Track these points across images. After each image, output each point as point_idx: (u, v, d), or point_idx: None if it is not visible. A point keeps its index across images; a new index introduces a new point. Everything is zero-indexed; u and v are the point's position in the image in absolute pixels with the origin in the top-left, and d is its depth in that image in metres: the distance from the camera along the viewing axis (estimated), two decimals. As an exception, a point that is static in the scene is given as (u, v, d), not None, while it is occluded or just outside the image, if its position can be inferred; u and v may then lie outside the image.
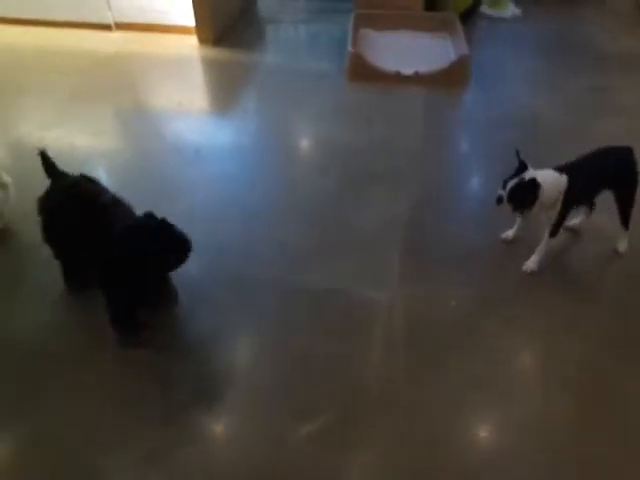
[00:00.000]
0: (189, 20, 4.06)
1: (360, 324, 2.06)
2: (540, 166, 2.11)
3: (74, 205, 1.89)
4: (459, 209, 2.67)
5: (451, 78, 3.53)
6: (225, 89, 3.70)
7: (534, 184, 2.02)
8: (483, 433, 1.76)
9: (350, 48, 3.65)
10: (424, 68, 3.58)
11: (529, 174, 2.04)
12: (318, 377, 1.88)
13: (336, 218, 2.55)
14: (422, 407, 1.80)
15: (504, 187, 2.07)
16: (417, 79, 3.55)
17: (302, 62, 3.97)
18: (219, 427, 1.78)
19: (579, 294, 2.22)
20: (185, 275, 1.99)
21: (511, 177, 2.07)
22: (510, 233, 2.39)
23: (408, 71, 3.56)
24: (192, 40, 4.10)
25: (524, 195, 2.05)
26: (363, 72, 3.59)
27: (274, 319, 2.10)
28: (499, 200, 2.09)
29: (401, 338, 2.01)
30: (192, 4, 3.96)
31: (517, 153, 2.10)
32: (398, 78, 3.56)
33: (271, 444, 1.69)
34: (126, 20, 4.21)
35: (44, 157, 1.96)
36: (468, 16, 4.50)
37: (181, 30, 4.13)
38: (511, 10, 4.68)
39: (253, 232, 2.48)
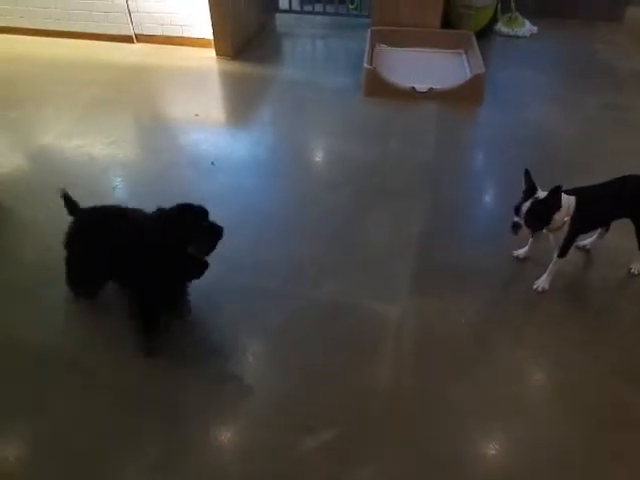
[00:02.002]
0: (208, 33, 4.14)
1: (370, 339, 2.07)
2: (549, 183, 2.10)
3: (100, 236, 1.96)
4: (471, 226, 2.68)
5: (466, 95, 3.55)
6: (242, 102, 3.75)
7: (556, 195, 1.98)
8: (492, 451, 1.75)
9: (366, 64, 3.69)
10: (439, 85, 3.60)
11: (541, 194, 2.03)
12: (327, 390, 1.90)
13: (348, 233, 2.57)
14: (430, 423, 1.80)
15: (517, 213, 2.04)
16: (432, 95, 3.57)
17: (319, 77, 4.02)
18: (227, 436, 1.79)
19: (591, 314, 2.21)
20: (199, 285, 2.01)
21: (523, 201, 2.04)
22: (522, 251, 2.39)
23: (423, 87, 3.59)
24: (211, 53, 4.18)
25: (541, 214, 2.03)
26: (379, 88, 3.62)
27: (284, 331, 2.11)
28: (515, 227, 2.04)
29: (411, 353, 2.02)
30: (211, 18, 4.03)
31: (526, 173, 2.07)
32: (413, 94, 3.59)
33: (277, 456, 1.70)
34: (147, 32, 4.30)
35: (66, 197, 2.04)
36: (484, 34, 4.52)
37: (200, 43, 4.21)
38: (528, 28, 4.70)
39: (267, 245, 2.50)
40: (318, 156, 3.30)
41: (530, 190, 2.04)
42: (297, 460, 1.69)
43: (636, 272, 2.33)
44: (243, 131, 3.43)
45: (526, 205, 2.01)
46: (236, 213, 2.67)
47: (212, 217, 2.11)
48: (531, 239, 2.33)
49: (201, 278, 1.90)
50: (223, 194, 2.79)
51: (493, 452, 1.74)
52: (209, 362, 1.99)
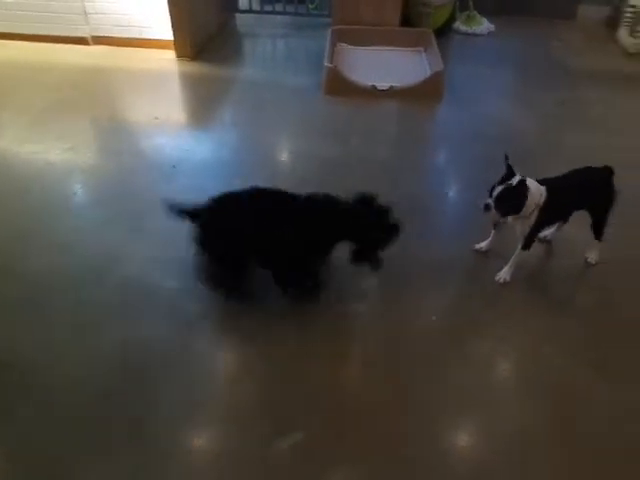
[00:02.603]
0: (167, 34, 4.08)
1: (340, 340, 2.07)
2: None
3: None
4: (433, 223, 2.71)
5: (426, 92, 3.60)
6: (203, 104, 3.72)
7: (523, 185, 2.03)
8: (462, 443, 1.77)
9: (327, 63, 3.70)
10: (399, 82, 3.64)
11: (517, 179, 2.06)
12: (299, 393, 1.88)
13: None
14: (404, 421, 1.81)
15: (490, 195, 2.08)
16: (392, 93, 3.61)
17: (280, 77, 4.01)
18: (201, 442, 1.77)
19: (552, 304, 2.26)
20: (166, 288, 1.98)
21: (499, 184, 2.08)
22: (483, 244, 2.43)
23: (384, 85, 3.62)
24: (170, 55, 4.12)
25: (512, 199, 2.07)
26: (340, 86, 3.64)
27: (255, 334, 2.08)
28: (487, 207, 2.09)
29: (381, 353, 2.03)
30: (170, 18, 3.98)
31: (506, 158, 2.10)
32: (374, 92, 3.62)
33: (252, 459, 1.68)
34: (104, 34, 4.21)
35: (181, 211, 2.05)
36: (443, 32, 4.60)
37: (159, 44, 4.15)
38: (485, 27, 4.79)
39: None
40: (281, 156, 3.29)
41: (508, 175, 2.08)
42: (270, 465, 1.67)
43: (593, 261, 2.40)
44: (205, 133, 3.40)
45: (498, 189, 2.07)
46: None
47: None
48: (493, 231, 2.37)
49: (168, 281, 1.86)
50: (185, 197, 2.75)
51: (463, 444, 1.77)
52: (176, 368, 1.96)
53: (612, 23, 4.88)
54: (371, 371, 1.97)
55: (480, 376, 1.96)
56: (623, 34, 4.60)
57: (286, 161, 3.24)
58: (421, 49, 4.22)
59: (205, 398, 1.86)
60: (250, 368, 1.98)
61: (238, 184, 2.82)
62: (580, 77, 4.07)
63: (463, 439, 1.79)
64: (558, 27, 4.92)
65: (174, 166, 2.98)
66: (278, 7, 4.85)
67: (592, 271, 2.39)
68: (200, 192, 2.64)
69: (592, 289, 2.35)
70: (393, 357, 2.01)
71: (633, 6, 4.57)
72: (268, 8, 4.89)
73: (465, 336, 2.10)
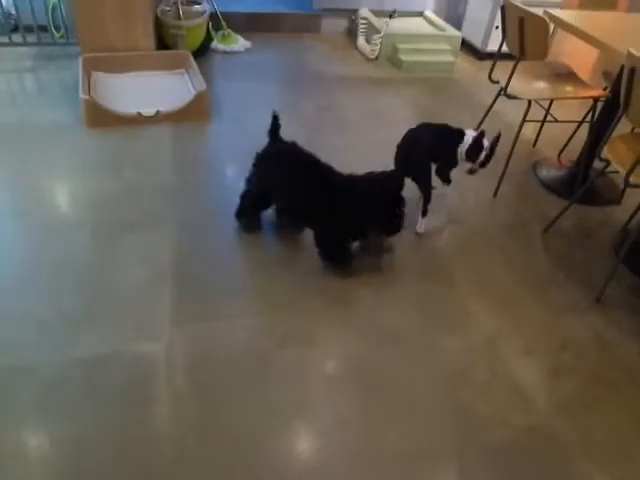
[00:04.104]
0: None
1: (141, 384, 1.96)
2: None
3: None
4: (222, 239, 2.73)
5: (193, 114, 3.61)
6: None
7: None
8: (292, 454, 1.81)
9: (82, 94, 3.48)
10: (165, 107, 3.59)
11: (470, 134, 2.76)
12: (110, 455, 1.74)
13: (96, 279, 2.39)
14: (222, 455, 1.78)
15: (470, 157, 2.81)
16: (160, 118, 3.54)
17: (32, 115, 3.64)
18: None
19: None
20: None
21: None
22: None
23: (149, 111, 3.54)
24: None
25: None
26: (102, 118, 3.45)
27: (43, 409, 1.86)
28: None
29: (187, 388, 1.97)
30: None
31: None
32: (140, 119, 3.51)
33: None
34: None
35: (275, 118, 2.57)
36: (202, 52, 4.66)
37: None
38: (242, 44, 4.98)
39: (1, 315, 2.18)
40: (47, 201, 2.99)
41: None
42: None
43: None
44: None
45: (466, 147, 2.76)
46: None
47: None
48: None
49: None
50: None
51: (293, 455, 1.81)
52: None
53: (351, 33, 5.47)
54: (180, 412, 1.90)
55: (291, 386, 2.03)
56: (361, 43, 5.18)
57: (54, 205, 2.96)
58: (182, 71, 4.21)
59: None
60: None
61: (1, 242, 2.52)
62: (333, 82, 4.49)
63: (291, 452, 1.84)
64: (306, 40, 5.34)
65: None
66: (15, 38, 4.40)
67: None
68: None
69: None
70: (200, 388, 1.97)
71: (364, 18, 5.19)
72: (3, 39, 4.40)
73: (266, 349, 2.15)
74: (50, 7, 4.42)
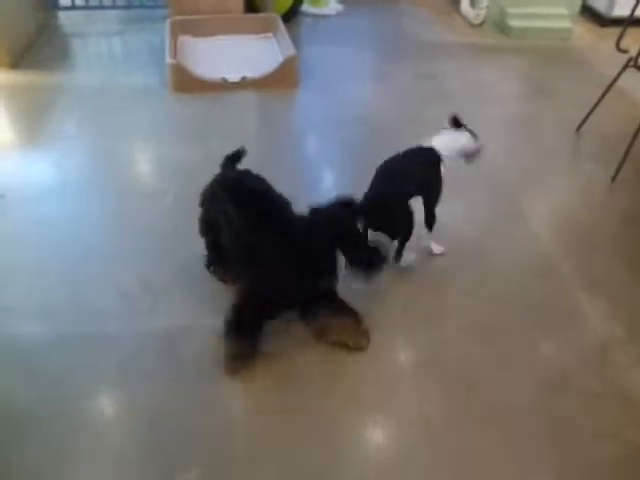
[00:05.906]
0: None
1: (220, 358, 1.80)
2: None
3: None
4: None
5: (281, 80, 3.37)
6: (31, 118, 3.16)
7: None
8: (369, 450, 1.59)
9: (169, 58, 3.33)
10: (252, 72, 3.37)
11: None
12: (186, 423, 1.65)
13: (177, 249, 2.25)
14: (298, 436, 1.60)
15: None
16: (245, 84, 3.33)
17: (119, 78, 3.56)
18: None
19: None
20: (14, 338, 1.67)
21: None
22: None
23: (235, 77, 3.33)
24: (-20, 65, 3.49)
25: None
26: (187, 83, 3.29)
27: (123, 375, 1.79)
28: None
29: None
30: (-28, 22, 3.36)
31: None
32: (225, 85, 3.32)
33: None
34: None
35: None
36: (291, 15, 4.39)
37: (-35, 54, 3.50)
38: (333, 7, 4.67)
39: (85, 281, 2.10)
40: (132, 166, 2.89)
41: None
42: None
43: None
44: (38, 152, 2.87)
45: None
46: (41, 252, 2.21)
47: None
48: None
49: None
50: (20, 232, 2.30)
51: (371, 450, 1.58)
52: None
53: (453, -3, 4.99)
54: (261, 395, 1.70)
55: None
56: (465, 7, 4.71)
57: (139, 170, 2.86)
58: (270, 35, 3.97)
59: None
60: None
61: (87, 205, 2.47)
62: (432, 50, 4.08)
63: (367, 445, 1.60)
64: (403, 3, 4.93)
65: (2, 195, 2.49)
66: (106, 1, 4.33)
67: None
68: (39, 224, 2.30)
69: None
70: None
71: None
72: (94, 3, 4.35)
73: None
74: (140, -31, 4.32)
